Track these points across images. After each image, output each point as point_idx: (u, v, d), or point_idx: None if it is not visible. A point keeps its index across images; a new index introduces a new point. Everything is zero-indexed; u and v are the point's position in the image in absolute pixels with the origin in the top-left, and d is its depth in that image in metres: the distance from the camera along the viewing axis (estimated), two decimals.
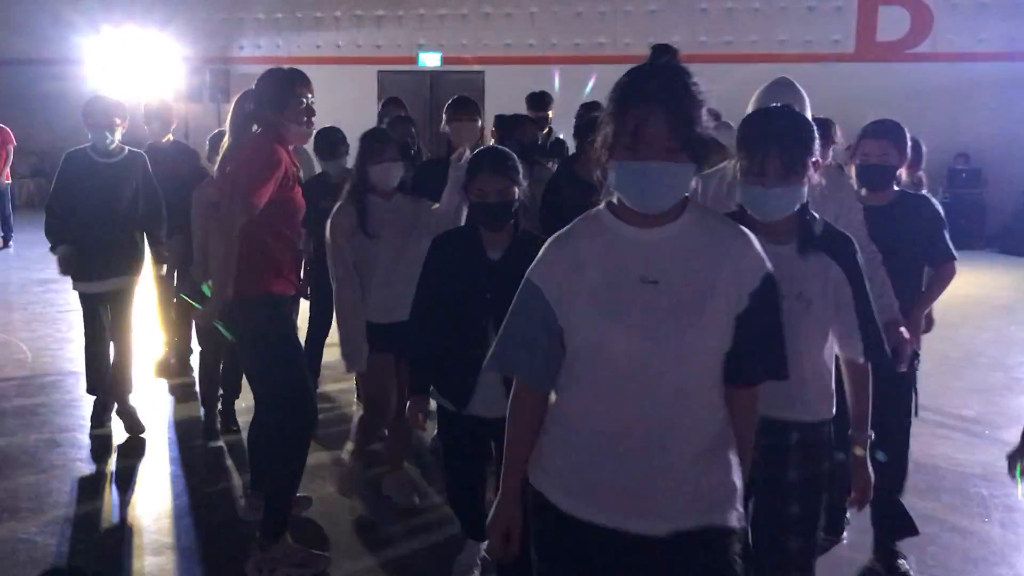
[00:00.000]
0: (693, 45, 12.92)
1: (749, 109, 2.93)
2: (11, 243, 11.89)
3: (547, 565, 1.96)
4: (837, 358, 2.48)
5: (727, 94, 2.99)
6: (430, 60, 15.14)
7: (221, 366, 5.00)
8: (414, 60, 15.18)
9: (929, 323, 4.73)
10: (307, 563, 3.52)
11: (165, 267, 5.49)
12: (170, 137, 5.76)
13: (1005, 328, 8.22)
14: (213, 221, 3.34)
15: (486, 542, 3.39)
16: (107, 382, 5.02)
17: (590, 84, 10.27)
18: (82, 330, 5.05)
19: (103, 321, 4.95)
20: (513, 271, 2.11)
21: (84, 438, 4.95)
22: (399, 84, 13.70)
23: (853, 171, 3.58)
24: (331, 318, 4.40)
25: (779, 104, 2.56)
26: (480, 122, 4.79)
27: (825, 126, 3.58)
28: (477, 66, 14.79)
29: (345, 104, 10.39)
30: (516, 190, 3.06)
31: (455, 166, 3.76)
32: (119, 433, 4.99)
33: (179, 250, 5.18)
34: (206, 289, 3.48)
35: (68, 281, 4.94)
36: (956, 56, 13.43)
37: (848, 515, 3.79)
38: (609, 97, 1.82)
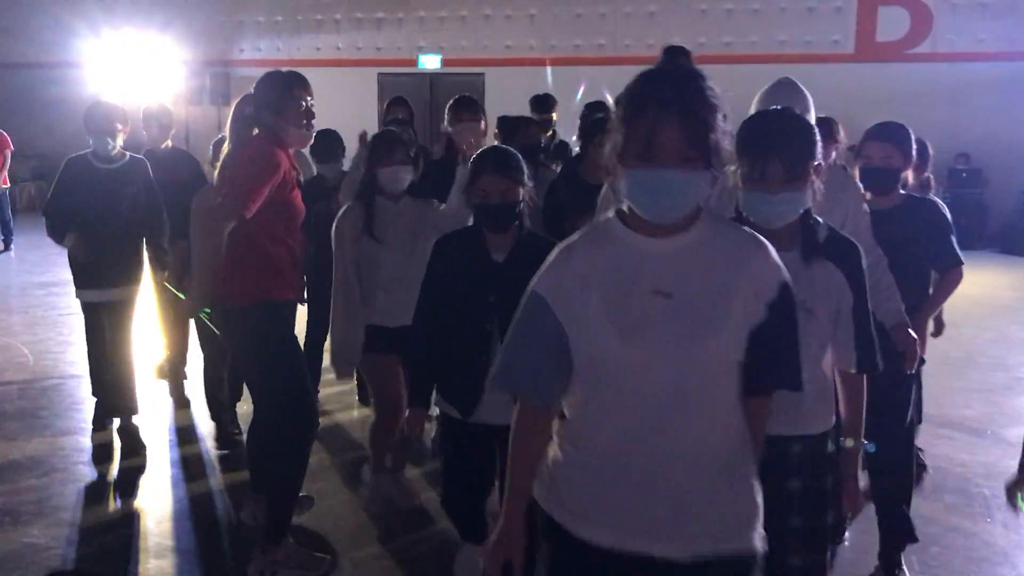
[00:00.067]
0: (692, 46, 12.36)
1: (752, 111, 2.87)
2: (12, 247, 11.90)
3: None
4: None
5: (726, 95, 2.97)
6: (430, 62, 15.16)
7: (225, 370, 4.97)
8: (414, 62, 15.20)
9: (939, 327, 4.71)
10: (309, 565, 3.51)
11: (167, 273, 5.43)
12: (169, 143, 5.59)
13: (1006, 328, 8.22)
14: (201, 214, 3.27)
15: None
16: (109, 388, 4.98)
17: (580, 91, 10.05)
18: (83, 334, 5.02)
19: (105, 331, 4.90)
20: (517, 273, 2.07)
21: (86, 441, 4.94)
22: (399, 86, 13.67)
23: (857, 172, 3.53)
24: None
25: (780, 106, 2.50)
26: (483, 122, 4.77)
27: (828, 125, 3.56)
28: (477, 68, 14.81)
29: (345, 106, 10.42)
30: (520, 191, 3.00)
31: (464, 167, 3.73)
32: None
33: (180, 257, 5.14)
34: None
35: (69, 284, 4.93)
36: (956, 56, 13.45)
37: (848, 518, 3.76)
38: (619, 101, 1.73)
